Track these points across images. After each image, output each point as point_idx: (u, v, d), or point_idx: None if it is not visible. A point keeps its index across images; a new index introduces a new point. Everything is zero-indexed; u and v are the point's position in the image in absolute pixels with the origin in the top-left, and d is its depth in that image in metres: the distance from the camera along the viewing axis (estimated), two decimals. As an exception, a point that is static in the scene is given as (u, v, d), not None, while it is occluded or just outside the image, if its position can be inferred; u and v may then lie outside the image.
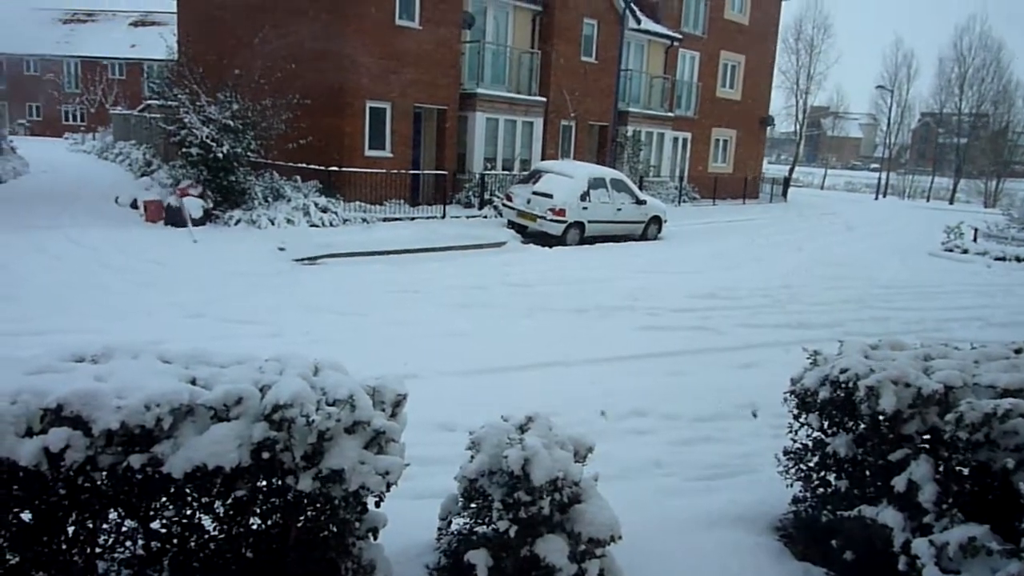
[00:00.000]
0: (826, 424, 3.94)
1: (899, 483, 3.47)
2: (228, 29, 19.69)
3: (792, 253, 16.82)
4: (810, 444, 4.06)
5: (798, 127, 45.40)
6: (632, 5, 23.40)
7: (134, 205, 16.18)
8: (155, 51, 40.42)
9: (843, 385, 3.71)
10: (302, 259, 12.37)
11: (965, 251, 18.18)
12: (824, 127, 73.12)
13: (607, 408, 5.99)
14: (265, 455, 2.67)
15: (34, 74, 50.29)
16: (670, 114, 27.10)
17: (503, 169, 20.88)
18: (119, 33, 51.52)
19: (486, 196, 19.53)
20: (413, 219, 17.41)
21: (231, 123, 15.18)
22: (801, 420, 4.06)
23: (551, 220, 16.05)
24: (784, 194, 34.72)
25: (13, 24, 51.35)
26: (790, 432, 4.12)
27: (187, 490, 2.73)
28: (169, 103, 15.99)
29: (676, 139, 27.90)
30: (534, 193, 16.50)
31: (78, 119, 49.19)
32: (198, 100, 15.12)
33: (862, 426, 3.76)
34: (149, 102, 29.53)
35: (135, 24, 51.85)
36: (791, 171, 41.42)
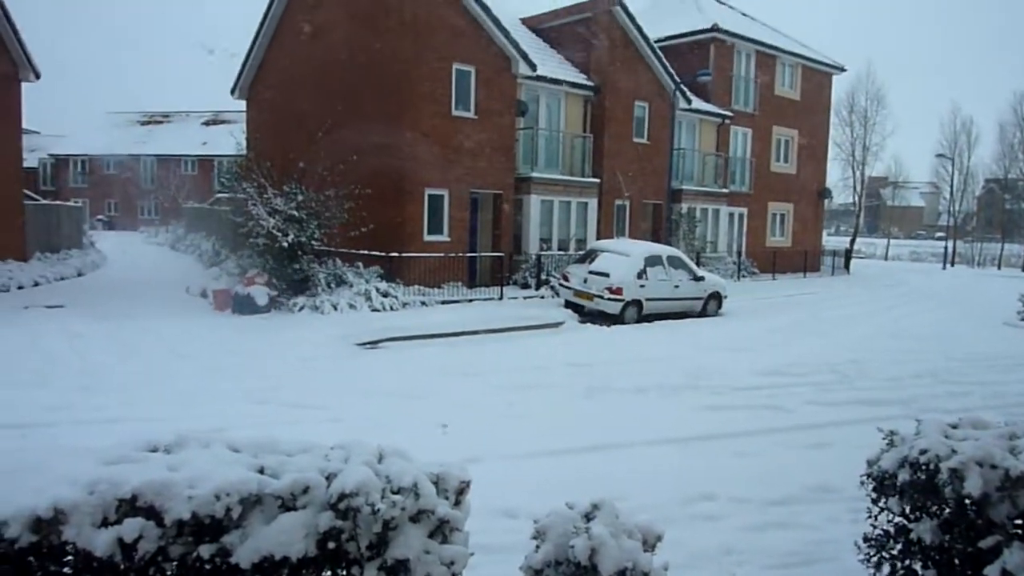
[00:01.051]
0: (908, 509, 3.74)
1: (992, 573, 3.26)
2: (293, 125, 20.68)
3: (858, 327, 16.35)
4: (892, 530, 3.85)
5: (857, 198, 44.80)
6: (682, 86, 23.82)
7: (204, 294, 16.79)
8: (225, 148, 42.64)
9: (924, 467, 3.54)
10: (363, 343, 12.56)
11: (1043, 320, 17.41)
12: (884, 197, 72.01)
13: (675, 489, 5.82)
14: (331, 545, 2.67)
15: (113, 173, 53.44)
16: (724, 190, 27.13)
17: (559, 249, 21.08)
18: (192, 132, 54.64)
19: (542, 276, 19.67)
20: (471, 301, 17.59)
21: (296, 213, 15.77)
22: (880, 504, 3.87)
23: (608, 299, 16.03)
24: (846, 266, 34.07)
25: (95, 128, 55.08)
26: (869, 517, 3.92)
27: (254, 581, 2.73)
28: (237, 196, 16.74)
29: (732, 214, 27.83)
30: (590, 272, 16.56)
31: (152, 213, 51.79)
32: (265, 192, 15.79)
33: (947, 511, 3.56)
34: (219, 195, 31.00)
35: (207, 123, 54.96)
36: (852, 242, 40.68)
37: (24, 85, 20.03)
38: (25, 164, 24.08)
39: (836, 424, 8.26)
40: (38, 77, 20.08)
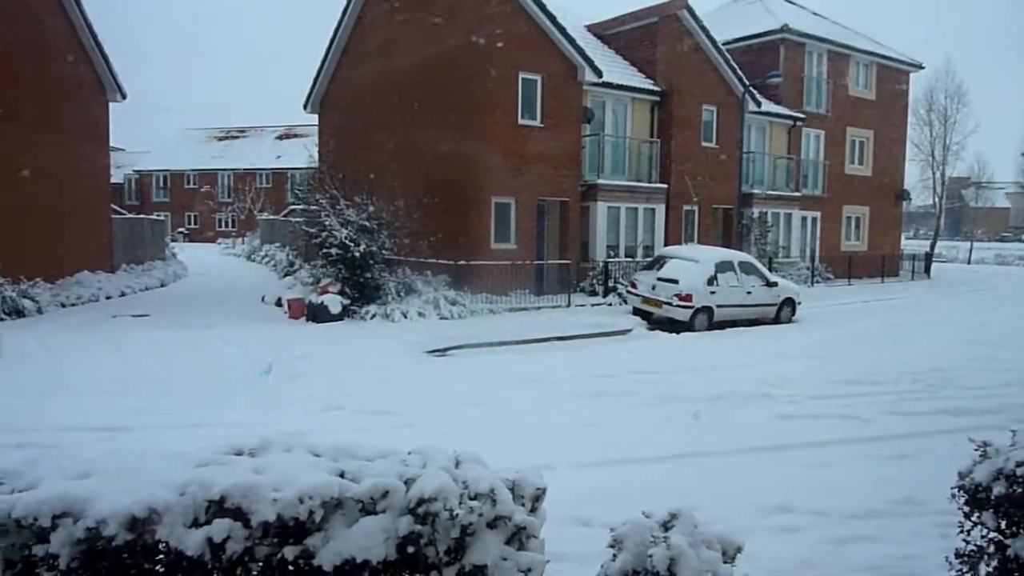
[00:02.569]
0: (1004, 524, 3.56)
1: (1098, 593, 3.08)
2: (363, 137, 21.14)
3: (940, 333, 15.69)
4: (987, 546, 3.67)
5: (937, 200, 43.07)
6: (751, 89, 23.39)
7: (279, 303, 17.27)
8: (298, 160, 44.00)
9: (1021, 480, 3.37)
10: (433, 351, 12.70)
11: None
12: (966, 198, 69.05)
13: (752, 501, 5.68)
14: (410, 549, 2.70)
15: (193, 187, 55.63)
16: (797, 194, 26.48)
17: (626, 256, 20.92)
18: (267, 146, 56.48)
19: (610, 284, 19.55)
20: (538, 308, 17.61)
21: (367, 224, 16.08)
22: (973, 519, 3.69)
23: (677, 306, 15.82)
24: (927, 270, 32.78)
25: (176, 144, 57.50)
26: (961, 532, 3.75)
27: (335, 583, 2.78)
28: (310, 207, 17.17)
29: (804, 218, 27.13)
30: (659, 279, 16.37)
31: (230, 225, 53.66)
32: (337, 204, 16.16)
33: (1047, 527, 3.38)
34: (292, 207, 31.87)
35: (280, 137, 56.71)
36: (932, 246, 39.14)
37: (111, 104, 21.05)
38: (112, 180, 25.27)
39: (920, 435, 7.93)
40: (124, 97, 21.07)
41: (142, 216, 29.89)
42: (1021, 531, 3.49)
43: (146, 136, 60.49)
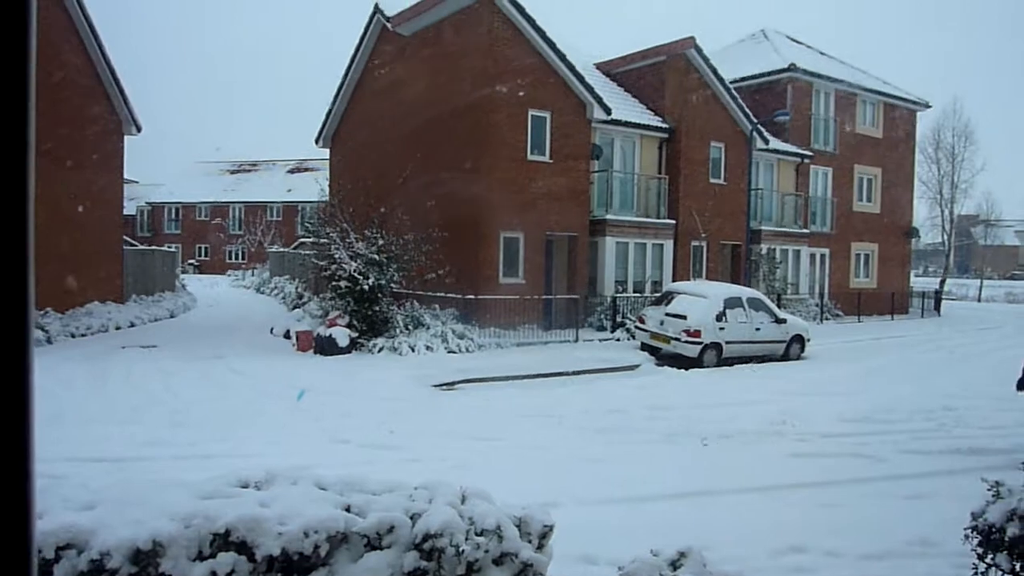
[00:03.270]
0: (1019, 566, 3.50)
1: (1119, 639, 3.01)
2: (374, 171, 21.34)
3: (952, 371, 15.56)
4: (1002, 589, 3.61)
5: (945, 237, 43.01)
6: (759, 127, 23.55)
7: (287, 335, 17.30)
8: (309, 194, 44.39)
9: (1036, 521, 3.32)
10: (440, 385, 12.66)
11: None
12: (975, 236, 68.96)
13: (763, 540, 5.60)
14: (415, 585, 2.67)
15: (204, 219, 56.13)
16: (805, 230, 26.50)
17: (634, 291, 20.91)
18: (278, 179, 57.04)
19: (618, 319, 19.51)
20: (546, 343, 17.57)
21: (376, 257, 16.15)
22: (988, 560, 3.63)
23: (686, 341, 15.76)
24: (936, 308, 32.63)
25: (188, 177, 58.18)
26: (975, 573, 3.68)
27: (339, 619, 2.75)
28: (320, 240, 17.28)
29: (813, 255, 27.11)
30: (667, 315, 16.34)
31: (240, 257, 53.99)
32: (347, 237, 16.26)
33: (1064, 569, 3.32)
34: (302, 240, 32.08)
35: (292, 171, 57.28)
36: (942, 283, 39.00)
37: (126, 138, 21.36)
38: (124, 212, 25.53)
39: (933, 474, 7.82)
40: (139, 130, 21.38)
41: (153, 248, 30.14)
42: (1037, 574, 3.43)
43: (159, 168, 61.48)
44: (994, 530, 3.54)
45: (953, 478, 7.46)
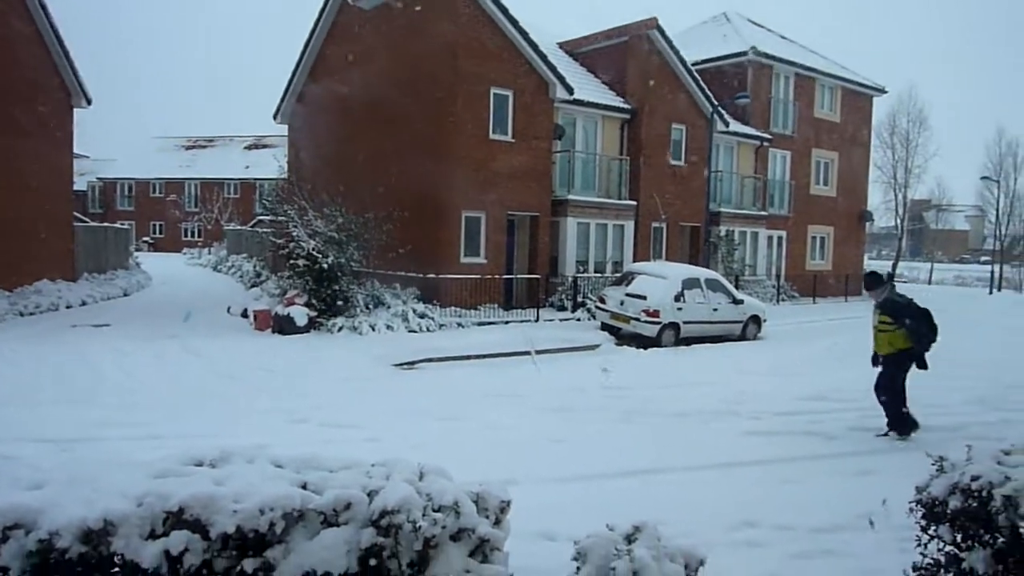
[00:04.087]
0: (959, 537, 3.62)
1: (1051, 606, 3.14)
2: (334, 149, 21.06)
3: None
4: (943, 560, 3.73)
5: (899, 221, 44.03)
6: (720, 109, 23.74)
7: (244, 314, 17.06)
8: (267, 171, 43.63)
9: (976, 494, 3.43)
10: (401, 364, 12.63)
11: (1098, 347, 16.84)
12: (927, 220, 70.67)
13: (717, 516, 5.71)
14: (372, 562, 2.67)
15: (159, 195, 54.89)
16: (763, 213, 26.87)
17: (595, 272, 21.02)
18: (235, 156, 55.94)
19: (579, 299, 19.62)
20: (507, 323, 17.60)
21: (336, 235, 15.97)
22: (930, 532, 3.75)
23: (645, 321, 15.92)
24: (889, 290, 33.38)
25: (142, 152, 56.73)
26: (918, 546, 3.81)
27: (296, 597, 2.74)
28: (279, 218, 17.03)
29: (771, 237, 27.53)
30: (627, 295, 16.48)
31: (196, 235, 52.96)
32: (305, 215, 16.04)
33: (1001, 540, 3.44)
34: (260, 218, 31.61)
35: (249, 147, 56.19)
36: (894, 266, 39.97)
37: (76, 111, 20.72)
38: (75, 187, 24.84)
39: (881, 451, 8.06)
40: (89, 103, 20.75)
41: (106, 224, 29.39)
42: (976, 544, 3.55)
43: (111, 143, 59.93)
44: (937, 503, 3.65)
45: (901, 454, 7.69)
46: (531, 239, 20.41)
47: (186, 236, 53.72)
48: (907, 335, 8.50)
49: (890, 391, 8.61)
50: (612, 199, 22.01)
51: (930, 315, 8.81)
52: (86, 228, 24.35)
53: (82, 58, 20.09)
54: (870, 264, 40.56)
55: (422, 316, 16.35)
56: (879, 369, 8.85)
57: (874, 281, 9.05)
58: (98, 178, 55.98)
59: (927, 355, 8.65)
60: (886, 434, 8.60)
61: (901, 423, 8.54)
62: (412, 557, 2.72)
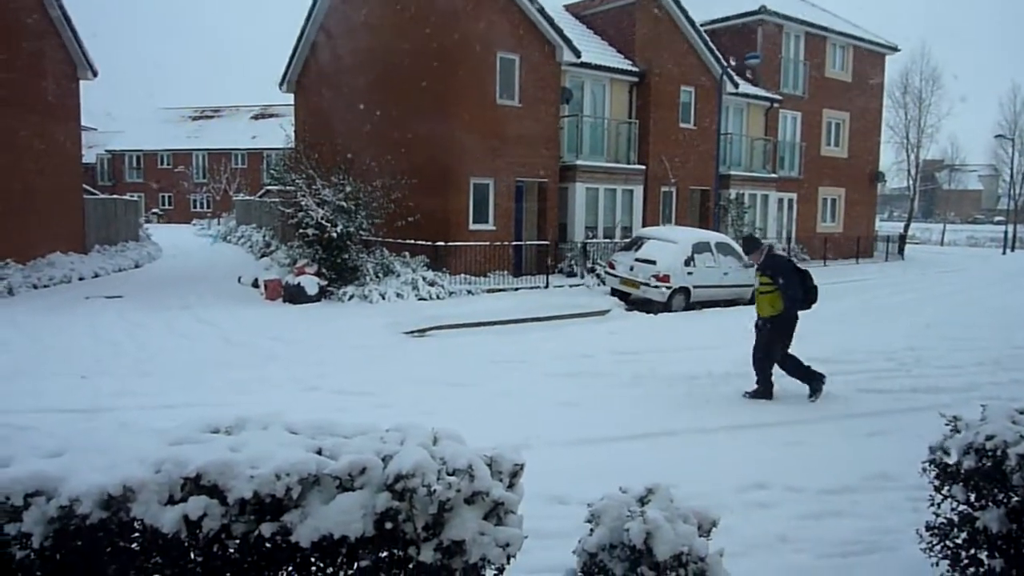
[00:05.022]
0: (973, 497, 3.63)
1: (1063, 562, 3.15)
2: (340, 117, 20.92)
3: (914, 313, 15.91)
4: (956, 519, 3.75)
5: (911, 182, 43.56)
6: (729, 70, 23.41)
7: (255, 284, 17.13)
8: (274, 141, 43.45)
9: (990, 453, 3.44)
10: (411, 332, 12.68)
11: (1112, 306, 16.72)
12: (940, 181, 69.92)
13: (728, 478, 5.75)
14: (388, 525, 2.70)
15: (167, 167, 54.84)
16: (773, 175, 26.63)
17: (604, 237, 20.95)
18: (242, 126, 55.70)
19: (588, 264, 19.59)
20: (516, 289, 17.62)
21: (344, 204, 15.95)
22: (944, 492, 3.76)
23: (655, 286, 15.89)
24: (900, 252, 33.23)
25: (149, 123, 56.57)
26: (931, 505, 3.82)
27: (313, 559, 2.77)
28: (287, 188, 17.00)
29: (781, 200, 27.31)
30: (637, 260, 16.42)
31: (205, 206, 53.01)
32: (314, 184, 16.01)
33: (1015, 499, 3.45)
34: (268, 188, 31.57)
35: (256, 117, 55.91)
36: (906, 228, 39.62)
37: (82, 83, 20.64)
38: (84, 160, 24.84)
39: (893, 412, 8.06)
40: (95, 75, 20.66)
41: (115, 196, 29.44)
42: (989, 503, 3.56)
43: (119, 115, 59.53)
44: (951, 463, 3.66)
45: (912, 415, 7.69)
46: (540, 205, 20.33)
47: (195, 207, 53.78)
48: (783, 297, 8.36)
49: (764, 352, 8.53)
50: (621, 163, 21.84)
51: (808, 277, 8.71)
52: (96, 200, 24.40)
53: (87, 30, 19.96)
54: (882, 226, 40.23)
55: (432, 284, 16.37)
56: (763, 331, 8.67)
57: (752, 244, 8.95)
58: (106, 150, 55.96)
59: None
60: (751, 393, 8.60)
61: (810, 378, 8.49)
62: (427, 520, 2.75)
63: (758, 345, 8.68)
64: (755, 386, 8.65)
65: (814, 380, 8.57)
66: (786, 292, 8.40)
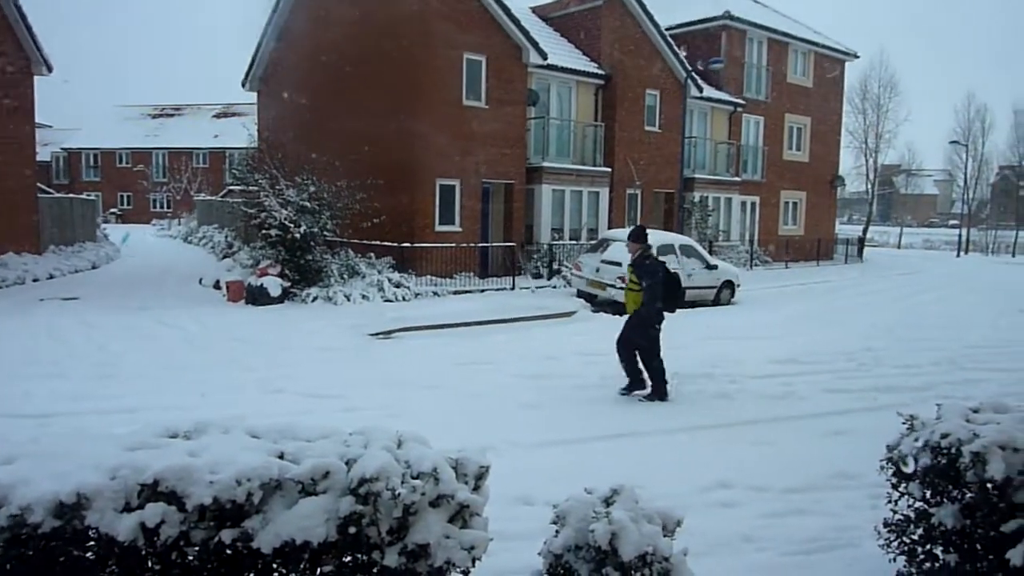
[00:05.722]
0: (928, 493, 3.71)
1: (1015, 556, 3.23)
2: (304, 116, 20.71)
3: (873, 314, 16.23)
4: (912, 515, 3.82)
5: (869, 186, 44.48)
6: (694, 74, 23.67)
7: (217, 286, 16.86)
8: (237, 140, 42.81)
9: (945, 451, 3.51)
10: (377, 334, 12.58)
11: (1062, 307, 17.22)
12: (897, 185, 71.47)
13: (692, 478, 5.80)
14: (351, 529, 2.67)
15: (126, 166, 53.76)
16: (737, 178, 26.98)
17: (571, 239, 21.03)
18: (203, 124, 54.82)
19: (554, 266, 19.63)
20: (483, 291, 17.59)
21: (308, 205, 15.78)
22: (901, 489, 3.83)
23: (621, 288, 15.95)
24: (860, 254, 33.89)
25: (107, 121, 55.40)
26: (889, 503, 3.89)
27: (275, 565, 2.73)
28: (250, 188, 16.77)
29: (744, 203, 27.68)
30: (603, 262, 16.50)
31: (165, 206, 52.07)
32: (277, 184, 15.81)
33: (969, 495, 3.53)
34: (231, 187, 31.13)
35: (218, 116, 55.08)
36: (865, 231, 40.44)
37: (37, 79, 20.13)
38: (38, 158, 24.24)
39: (853, 411, 8.21)
40: (51, 71, 20.16)
41: (71, 196, 28.75)
42: (944, 500, 3.64)
43: (75, 112, 58.28)
44: (907, 461, 3.73)
45: (871, 414, 7.84)
46: (506, 207, 20.33)
47: (155, 207, 52.79)
48: (649, 297, 8.47)
49: (627, 349, 8.66)
50: (587, 166, 21.95)
51: (675, 282, 8.88)
52: (51, 199, 23.82)
53: (42, 24, 19.48)
54: (841, 229, 40.99)
55: (397, 285, 16.28)
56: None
57: (638, 235, 8.97)
58: (62, 148, 54.67)
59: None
60: (628, 392, 8.71)
61: (659, 384, 8.58)
62: (392, 524, 2.72)
63: (621, 340, 8.75)
64: (637, 387, 8.71)
65: (638, 385, 8.65)
66: (649, 294, 8.48)
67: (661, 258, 16.28)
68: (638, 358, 8.77)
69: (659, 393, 8.60)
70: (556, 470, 5.81)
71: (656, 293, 8.53)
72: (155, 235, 38.20)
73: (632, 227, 9.31)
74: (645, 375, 8.75)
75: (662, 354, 8.69)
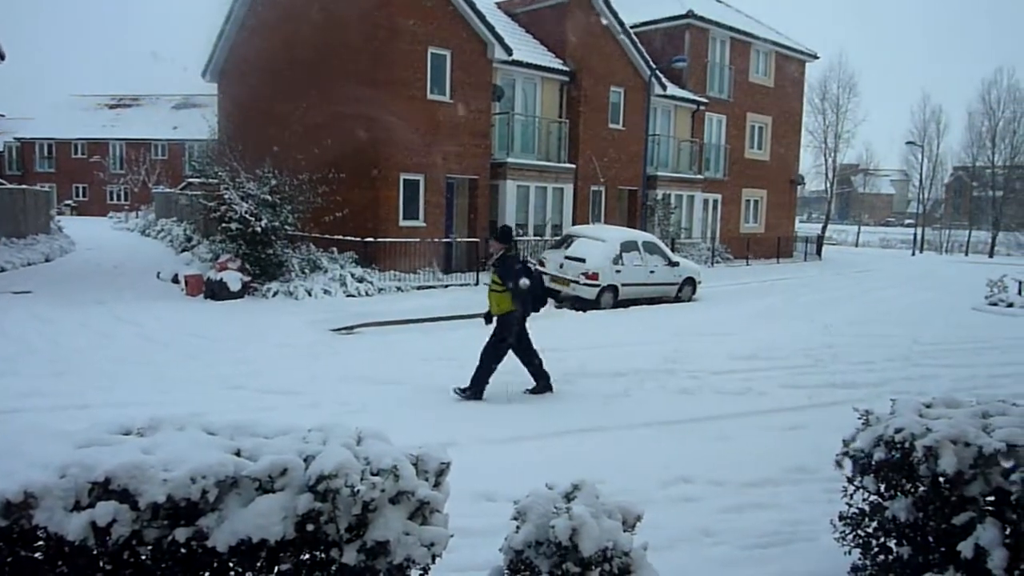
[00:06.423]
0: (883, 487, 3.78)
1: (965, 548, 3.31)
2: (266, 108, 20.41)
3: (830, 312, 16.53)
4: (867, 509, 3.89)
5: (828, 185, 45.30)
6: (658, 72, 23.84)
7: (175, 280, 16.56)
8: (197, 131, 42.03)
9: (899, 445, 3.58)
10: (339, 329, 12.46)
11: (1010, 304, 17.71)
12: (855, 184, 72.82)
13: (653, 473, 5.84)
14: (310, 527, 2.63)
15: (81, 157, 52.50)
16: (699, 176, 27.25)
17: (535, 235, 21.06)
18: (162, 116, 53.77)
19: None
20: (447, 287, 17.54)
21: (269, 198, 15.57)
22: (856, 483, 3.90)
23: (584, 284, 16.05)
24: (818, 252, 34.47)
25: (62, 111, 54.01)
26: (845, 496, 3.96)
27: (231, 564, 2.68)
28: (210, 180, 16.49)
29: (707, 201, 27.98)
30: (567, 258, 16.56)
31: (122, 198, 50.98)
32: (237, 177, 15.57)
33: (922, 489, 3.60)
34: (190, 180, 30.55)
35: (177, 107, 54.05)
36: (824, 229, 41.19)
37: (-13, 66, 19.53)
38: (-11, 147, 23.51)
39: (811, 407, 8.35)
40: (3, 59, 19.58)
41: (23, 187, 27.99)
42: (898, 493, 3.71)
43: (28, 101, 56.70)
44: (863, 455, 3.80)
45: (828, 409, 7.98)
46: (470, 202, 20.28)
47: (112, 199, 51.66)
48: (511, 298, 8.44)
49: (490, 352, 8.51)
50: (551, 162, 21.99)
51: (539, 283, 8.84)
52: (2, 191, 23.17)
53: (-8, 9, 18.89)
54: (801, 227, 41.70)
55: (360, 280, 16.14)
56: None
57: (503, 235, 8.93)
58: (15, 138, 53.20)
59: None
60: (463, 390, 8.44)
61: (479, 383, 8.41)
62: (351, 521, 2.69)
63: (488, 343, 8.57)
64: (543, 382, 8.70)
65: (544, 380, 8.68)
66: (516, 296, 8.37)
67: (625, 255, 16.60)
68: (531, 356, 8.66)
69: (474, 391, 8.34)
70: (518, 465, 5.82)
71: (523, 295, 8.37)
72: (112, 228, 37.37)
73: (499, 228, 9.25)
74: (544, 366, 8.66)
75: (537, 358, 8.63)
